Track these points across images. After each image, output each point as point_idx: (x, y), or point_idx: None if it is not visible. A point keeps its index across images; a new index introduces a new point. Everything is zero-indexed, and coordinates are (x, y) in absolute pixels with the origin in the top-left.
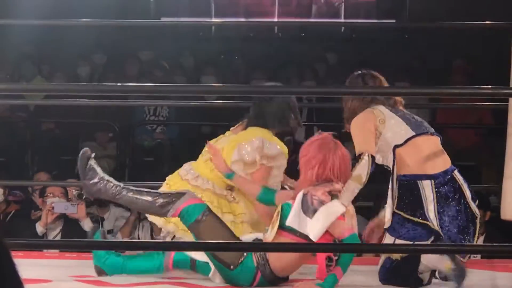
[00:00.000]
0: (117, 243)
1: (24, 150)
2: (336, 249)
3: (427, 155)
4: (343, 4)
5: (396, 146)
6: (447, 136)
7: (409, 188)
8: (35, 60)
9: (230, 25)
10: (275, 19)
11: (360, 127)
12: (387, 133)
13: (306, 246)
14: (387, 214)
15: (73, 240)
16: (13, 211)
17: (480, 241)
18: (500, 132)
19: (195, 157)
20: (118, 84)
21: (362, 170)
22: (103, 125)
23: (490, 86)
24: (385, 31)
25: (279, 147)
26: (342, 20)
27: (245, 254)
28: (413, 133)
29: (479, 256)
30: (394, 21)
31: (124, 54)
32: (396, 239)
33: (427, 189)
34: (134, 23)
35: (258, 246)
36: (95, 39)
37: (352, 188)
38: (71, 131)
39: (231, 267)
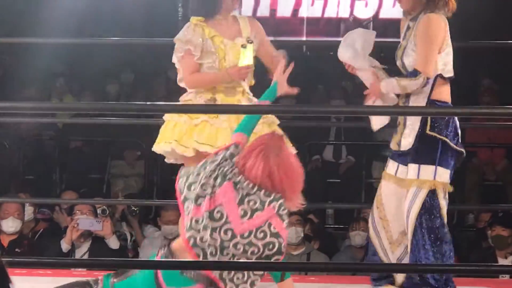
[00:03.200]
0: (147, 262)
1: (52, 168)
2: None
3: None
4: (371, 22)
5: (439, 76)
6: (476, 156)
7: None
8: (65, 78)
9: None
10: (304, 38)
11: (432, 36)
12: (440, 60)
13: None
14: (408, 137)
15: (98, 259)
16: (41, 230)
17: (508, 260)
18: None
19: None
20: (147, 103)
21: (410, 86)
22: (131, 143)
23: None
24: None
25: None
26: None
27: None
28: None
29: (507, 276)
30: None
31: (152, 73)
32: (438, 167)
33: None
34: (162, 41)
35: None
36: (123, 58)
37: (394, 85)
38: (99, 149)
39: None
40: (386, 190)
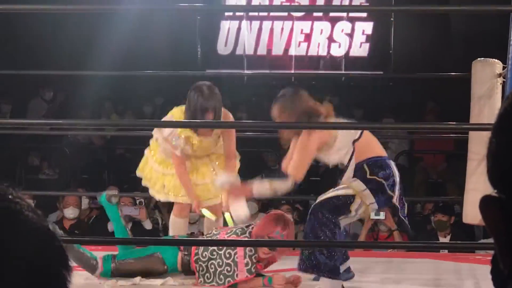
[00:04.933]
0: (172, 240)
1: (101, 170)
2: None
3: (377, 142)
4: (343, 59)
5: (354, 140)
6: (422, 160)
7: (380, 166)
8: (112, 102)
9: (258, 75)
10: (292, 71)
11: (308, 147)
12: (339, 135)
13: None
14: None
15: (139, 238)
16: (94, 216)
17: (446, 239)
18: (462, 157)
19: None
20: (174, 121)
21: (281, 189)
22: None
23: (454, 122)
24: (375, 79)
25: None
26: (343, 71)
27: None
28: (360, 130)
29: (446, 250)
30: (381, 72)
31: (178, 97)
32: (367, 190)
33: (394, 168)
34: (186, 73)
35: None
36: (156, 86)
37: (266, 188)
38: (138, 155)
39: None
40: None
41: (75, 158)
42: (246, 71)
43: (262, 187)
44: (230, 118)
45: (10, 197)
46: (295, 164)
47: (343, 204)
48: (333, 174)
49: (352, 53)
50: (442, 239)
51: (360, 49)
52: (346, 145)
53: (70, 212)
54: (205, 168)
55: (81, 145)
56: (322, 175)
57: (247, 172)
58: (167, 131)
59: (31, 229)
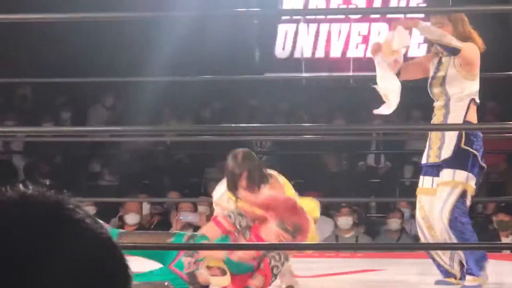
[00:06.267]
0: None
1: (162, 174)
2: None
3: None
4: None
5: (473, 100)
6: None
7: (475, 134)
8: (171, 108)
9: (317, 78)
10: (351, 73)
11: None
12: (474, 86)
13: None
14: (448, 149)
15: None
16: (156, 222)
17: (509, 239)
18: None
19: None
20: (233, 125)
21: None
22: (221, 155)
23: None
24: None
25: None
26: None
27: None
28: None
29: (508, 251)
30: None
31: (236, 101)
32: (469, 173)
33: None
34: (244, 78)
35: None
36: (214, 91)
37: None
38: (197, 160)
39: None
40: (428, 203)
41: (135, 164)
42: (304, 74)
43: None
44: (278, 181)
45: (70, 206)
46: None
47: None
48: (392, 176)
49: (410, 53)
50: (504, 240)
51: (419, 49)
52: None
53: (132, 218)
54: None
55: (141, 151)
56: (382, 176)
57: (307, 175)
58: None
59: (91, 238)
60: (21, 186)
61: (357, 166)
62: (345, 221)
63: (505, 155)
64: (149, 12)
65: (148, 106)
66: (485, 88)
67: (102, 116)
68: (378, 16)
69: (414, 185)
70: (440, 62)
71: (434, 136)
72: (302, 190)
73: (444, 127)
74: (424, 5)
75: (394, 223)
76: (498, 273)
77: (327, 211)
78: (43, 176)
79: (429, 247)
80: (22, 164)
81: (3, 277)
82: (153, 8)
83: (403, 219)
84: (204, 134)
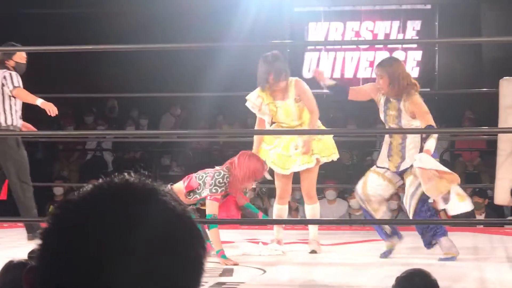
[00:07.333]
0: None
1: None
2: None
3: None
4: None
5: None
6: (461, 156)
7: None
8: (223, 115)
9: None
10: None
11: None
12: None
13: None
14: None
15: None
16: None
17: (482, 217)
18: (492, 153)
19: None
20: (271, 129)
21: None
22: None
23: (486, 127)
24: (423, 95)
25: None
26: None
27: None
28: None
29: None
30: (429, 89)
31: None
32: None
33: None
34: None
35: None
36: None
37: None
38: None
39: None
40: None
41: (196, 159)
42: (324, 90)
43: (432, 143)
44: (302, 85)
45: (161, 191)
46: (428, 118)
47: None
48: None
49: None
50: (478, 217)
51: (412, 71)
52: None
53: None
54: (288, 142)
55: (201, 149)
56: None
57: (327, 167)
58: (255, 100)
59: (177, 215)
60: (126, 175)
61: (365, 161)
62: (355, 203)
63: (479, 152)
64: (202, 43)
65: (205, 114)
66: (462, 100)
67: (170, 122)
68: (381, 46)
69: None
70: (389, 101)
71: (394, 145)
72: (323, 179)
73: (435, 131)
74: (417, 37)
75: (392, 204)
76: (475, 243)
77: (342, 195)
78: (127, 168)
79: (417, 222)
80: (111, 159)
81: (116, 236)
82: (211, 39)
83: (400, 200)
84: (249, 135)
